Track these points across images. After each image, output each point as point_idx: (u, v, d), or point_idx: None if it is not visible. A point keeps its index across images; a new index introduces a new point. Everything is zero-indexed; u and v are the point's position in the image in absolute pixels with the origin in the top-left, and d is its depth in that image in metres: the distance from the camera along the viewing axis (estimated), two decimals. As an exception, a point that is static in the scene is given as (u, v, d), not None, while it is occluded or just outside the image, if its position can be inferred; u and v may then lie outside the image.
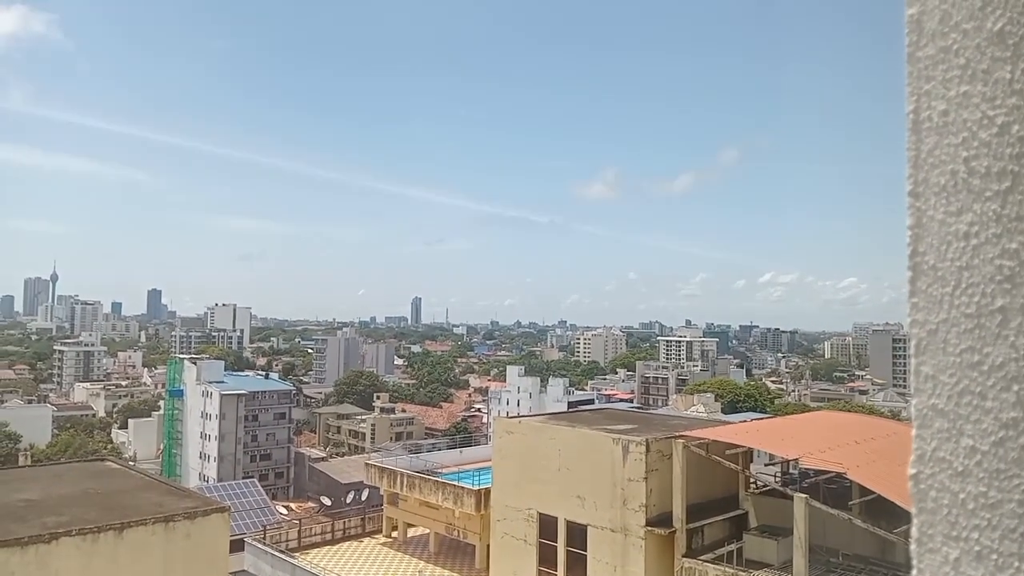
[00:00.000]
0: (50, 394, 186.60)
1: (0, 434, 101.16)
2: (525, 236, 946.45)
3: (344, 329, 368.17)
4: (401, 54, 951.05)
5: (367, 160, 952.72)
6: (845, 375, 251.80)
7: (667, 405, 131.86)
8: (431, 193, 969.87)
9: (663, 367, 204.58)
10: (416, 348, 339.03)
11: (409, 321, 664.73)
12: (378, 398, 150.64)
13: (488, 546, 30.34)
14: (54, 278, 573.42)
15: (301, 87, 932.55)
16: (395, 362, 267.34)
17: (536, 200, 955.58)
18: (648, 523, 24.33)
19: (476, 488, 31.52)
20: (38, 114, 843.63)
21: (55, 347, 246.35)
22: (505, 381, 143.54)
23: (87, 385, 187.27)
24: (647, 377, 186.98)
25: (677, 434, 25.99)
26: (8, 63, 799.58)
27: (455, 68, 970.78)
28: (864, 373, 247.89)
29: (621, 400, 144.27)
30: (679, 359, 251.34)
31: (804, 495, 23.06)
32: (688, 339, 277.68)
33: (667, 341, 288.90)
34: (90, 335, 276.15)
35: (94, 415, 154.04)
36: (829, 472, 24.12)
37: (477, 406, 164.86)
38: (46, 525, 13.96)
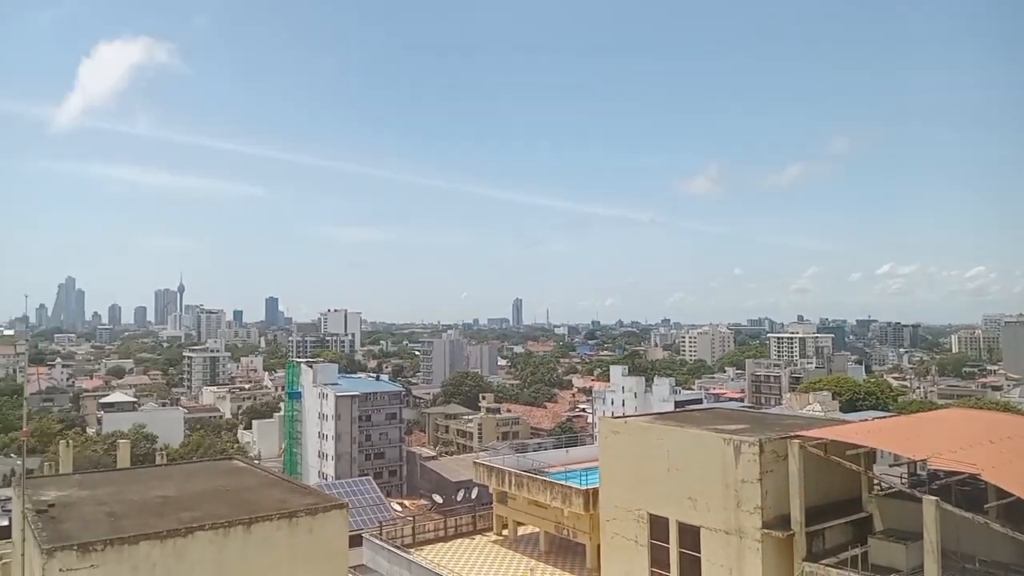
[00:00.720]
0: (181, 397, 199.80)
1: (138, 435, 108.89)
2: (625, 235, 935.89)
3: (449, 331, 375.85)
4: (496, 61, 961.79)
5: (469, 167, 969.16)
6: (975, 370, 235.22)
7: (780, 404, 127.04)
8: (530, 196, 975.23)
9: (775, 365, 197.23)
10: (519, 349, 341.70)
11: (511, 322, 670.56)
12: (483, 398, 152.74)
13: (598, 546, 30.17)
14: (181, 289, 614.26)
15: (405, 101, 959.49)
16: (499, 363, 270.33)
17: (636, 198, 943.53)
18: (765, 525, 23.51)
19: (584, 488, 31.41)
20: (163, 138, 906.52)
21: (184, 353, 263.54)
22: (609, 381, 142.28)
23: (214, 388, 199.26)
24: (758, 375, 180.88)
25: (793, 434, 25.00)
26: (136, 92, 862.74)
27: (550, 72, 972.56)
28: (997, 368, 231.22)
29: (731, 399, 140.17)
30: (791, 356, 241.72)
31: (934, 497, 21.67)
32: (801, 335, 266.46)
33: (778, 338, 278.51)
34: (215, 342, 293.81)
35: (221, 416, 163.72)
36: (961, 473, 22.55)
37: (581, 406, 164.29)
38: (182, 520, 14.91)
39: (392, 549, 33.95)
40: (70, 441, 30.39)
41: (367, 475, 79.60)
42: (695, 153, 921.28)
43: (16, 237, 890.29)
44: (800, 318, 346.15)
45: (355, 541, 29.59)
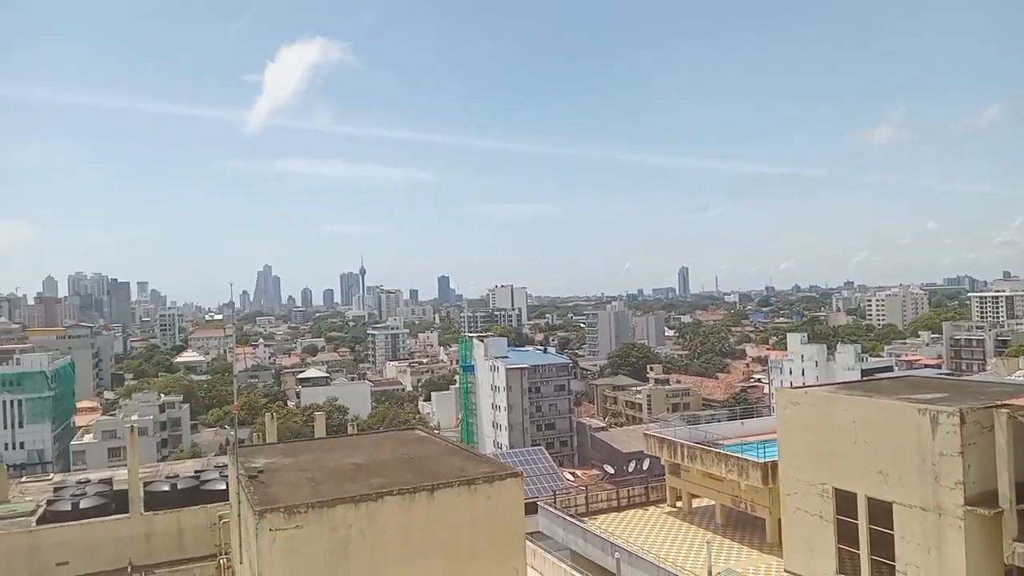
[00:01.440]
0: (367, 372, 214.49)
1: (331, 407, 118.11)
2: (799, 194, 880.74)
3: (613, 303, 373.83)
4: (650, 26, 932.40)
5: (627, 135, 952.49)
6: None
7: (984, 370, 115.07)
8: (693, 160, 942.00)
9: (977, 327, 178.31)
10: (686, 319, 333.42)
11: (677, 292, 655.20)
12: (651, 369, 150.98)
13: (779, 520, 29.04)
14: (362, 272, 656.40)
15: (561, 76, 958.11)
16: (666, 333, 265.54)
17: (809, 154, 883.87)
18: (967, 502, 21.50)
19: (762, 461, 30.25)
20: (339, 131, 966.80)
21: (368, 331, 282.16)
22: (786, 350, 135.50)
23: (395, 363, 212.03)
24: (958, 339, 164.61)
25: (1000, 403, 22.56)
26: (314, 90, 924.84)
27: (705, 31, 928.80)
28: None
29: (926, 366, 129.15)
30: (997, 317, 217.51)
31: None
32: (1007, 293, 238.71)
33: (980, 297, 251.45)
34: (394, 319, 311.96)
35: (403, 389, 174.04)
36: None
37: (756, 376, 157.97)
38: (372, 485, 16.03)
39: (567, 517, 34.61)
40: (274, 414, 33.50)
41: (539, 445, 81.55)
42: (875, 99, 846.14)
43: (220, 231, 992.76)
44: (1006, 275, 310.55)
45: (530, 509, 30.48)
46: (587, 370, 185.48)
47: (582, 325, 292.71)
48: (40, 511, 24.20)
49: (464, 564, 15.31)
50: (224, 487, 24.10)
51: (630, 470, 44.06)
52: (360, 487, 15.86)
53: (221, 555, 22.07)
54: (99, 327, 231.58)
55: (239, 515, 17.59)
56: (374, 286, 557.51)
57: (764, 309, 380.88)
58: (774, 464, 29.23)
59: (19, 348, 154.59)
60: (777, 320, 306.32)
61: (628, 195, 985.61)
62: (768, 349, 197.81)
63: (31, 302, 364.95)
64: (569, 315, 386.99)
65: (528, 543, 23.18)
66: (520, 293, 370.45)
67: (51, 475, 38.17)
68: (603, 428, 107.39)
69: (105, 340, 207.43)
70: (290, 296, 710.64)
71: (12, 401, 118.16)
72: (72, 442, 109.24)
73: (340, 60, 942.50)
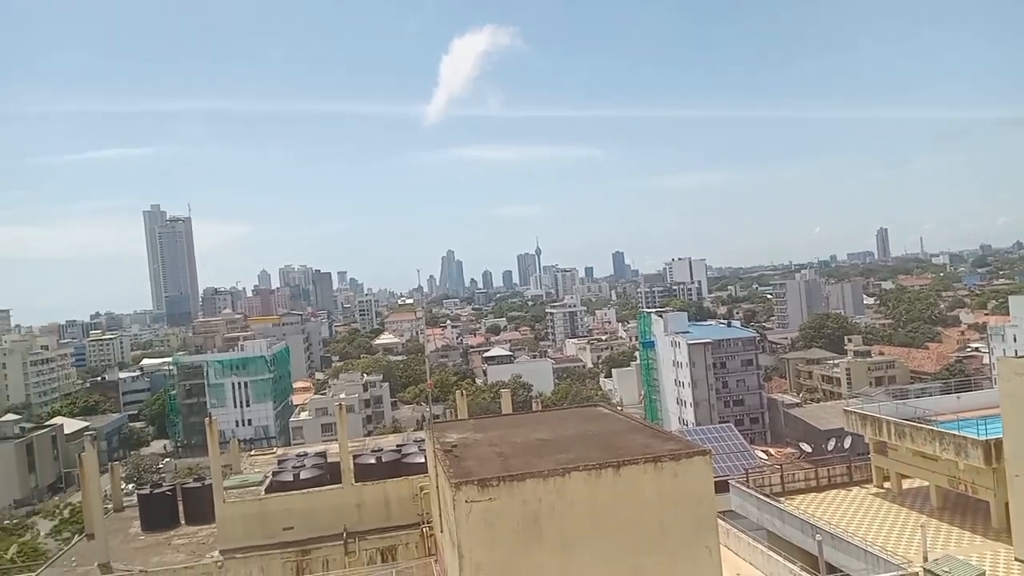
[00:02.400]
0: (548, 349, 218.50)
1: (516, 384, 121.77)
2: (1020, 140, 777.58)
3: (802, 271, 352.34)
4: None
5: (813, 91, 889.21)
6: None
7: None
8: (890, 111, 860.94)
9: None
10: (887, 285, 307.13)
11: (875, 255, 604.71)
12: (849, 341, 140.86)
13: (1006, 504, 26.12)
14: (538, 252, 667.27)
15: (735, 35, 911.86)
16: (864, 301, 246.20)
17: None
18: None
19: (984, 438, 27.28)
20: (510, 115, 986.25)
21: (546, 310, 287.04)
22: (1008, 315, 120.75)
23: (575, 340, 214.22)
24: None
25: None
26: (485, 76, 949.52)
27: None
28: None
29: None
30: None
31: None
32: None
33: None
34: (571, 297, 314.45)
35: (583, 366, 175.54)
36: None
37: (974, 345, 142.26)
38: (559, 461, 16.34)
39: (761, 497, 33.33)
40: (463, 391, 35.07)
41: (727, 422, 79.03)
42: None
43: (407, 220, 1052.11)
44: None
45: (720, 487, 29.67)
46: (776, 344, 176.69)
47: (769, 296, 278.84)
48: (267, 481, 27.09)
49: (653, 540, 15.22)
50: (423, 460, 25.62)
51: (829, 448, 41.52)
52: (547, 462, 16.21)
53: (424, 524, 23.51)
54: (307, 314, 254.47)
55: (437, 487, 18.65)
56: (550, 265, 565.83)
57: (980, 270, 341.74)
58: (998, 442, 26.30)
59: (242, 336, 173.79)
60: (996, 282, 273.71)
61: (814, 154, 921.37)
62: (986, 315, 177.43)
63: (249, 294, 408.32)
64: (754, 286, 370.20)
65: (720, 522, 22.59)
66: (699, 265, 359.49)
67: (275, 449, 42.59)
68: (797, 404, 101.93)
69: (313, 326, 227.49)
70: (472, 279, 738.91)
71: (240, 383, 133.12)
72: (291, 419, 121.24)
73: (509, 45, 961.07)
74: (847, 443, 39.12)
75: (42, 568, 24.16)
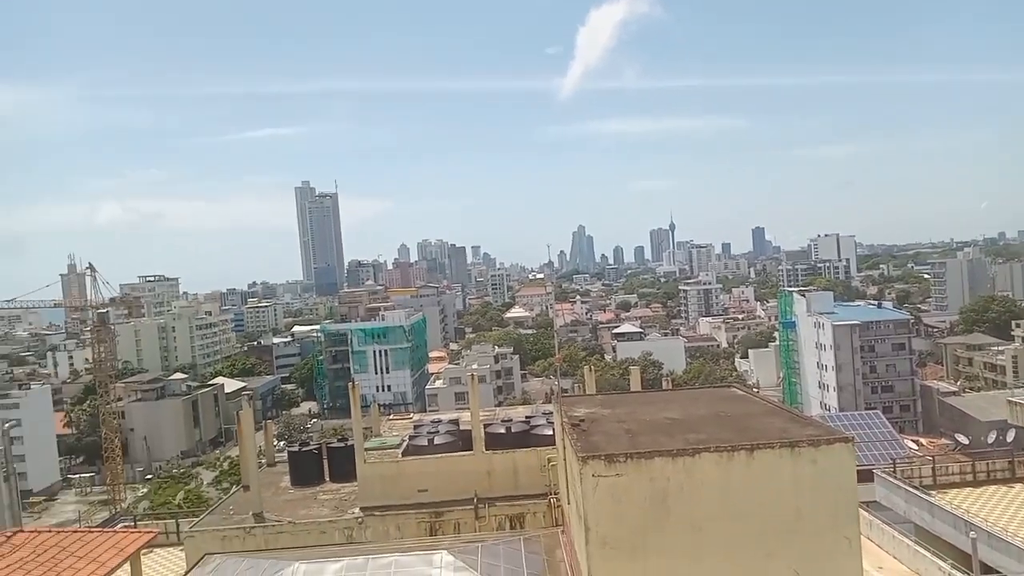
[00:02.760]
0: (680, 328, 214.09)
1: (646, 361, 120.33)
2: None
3: (965, 249, 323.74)
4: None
5: (981, 52, 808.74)
6: None
7: None
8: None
9: None
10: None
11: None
12: (1017, 326, 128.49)
13: None
14: (672, 227, 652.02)
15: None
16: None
17: None
18: None
19: None
20: (647, 86, 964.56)
21: (679, 287, 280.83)
22: None
23: (709, 319, 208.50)
24: None
25: None
26: (622, 47, 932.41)
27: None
28: None
29: None
30: None
31: None
32: None
33: None
34: (706, 275, 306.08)
35: (717, 345, 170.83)
36: None
37: None
38: (688, 440, 16.03)
39: (910, 489, 31.29)
40: (592, 366, 35.07)
41: (874, 408, 74.52)
42: None
43: (539, 195, 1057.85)
44: None
45: (864, 476, 28.08)
46: (933, 327, 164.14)
47: (926, 276, 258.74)
48: (404, 445, 28.35)
49: (788, 528, 14.67)
50: (550, 432, 25.93)
51: (989, 441, 38.29)
52: (676, 441, 15.95)
53: (551, 494, 23.86)
54: (443, 287, 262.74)
55: (564, 459, 18.84)
56: (684, 241, 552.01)
57: None
58: None
59: (383, 307, 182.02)
60: None
61: (981, 122, 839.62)
62: None
63: (390, 267, 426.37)
64: (908, 265, 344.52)
65: (863, 513, 21.43)
66: (847, 242, 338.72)
67: (411, 414, 44.50)
68: (954, 393, 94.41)
69: (448, 298, 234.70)
70: (603, 254, 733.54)
71: (381, 351, 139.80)
72: (426, 386, 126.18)
73: (647, 13, 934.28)
74: (1010, 436, 35.93)
75: (204, 514, 26.59)
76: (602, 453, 15.09)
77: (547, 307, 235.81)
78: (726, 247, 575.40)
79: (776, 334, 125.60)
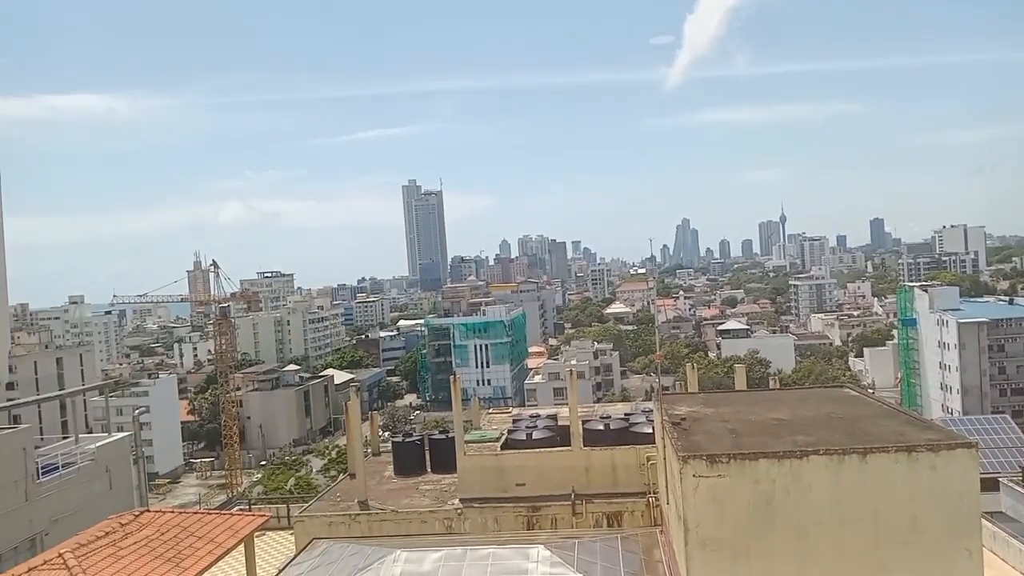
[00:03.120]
0: (789, 324, 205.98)
1: (752, 360, 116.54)
2: None
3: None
4: None
5: None
6: None
7: None
8: None
9: None
10: None
11: None
12: None
13: None
14: (783, 220, 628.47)
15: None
16: None
17: None
18: None
19: None
20: (757, 73, 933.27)
21: (790, 282, 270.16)
22: None
23: (821, 316, 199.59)
24: None
25: None
26: (732, 34, 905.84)
27: None
28: None
29: None
30: None
31: None
32: None
33: None
34: (819, 269, 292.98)
35: (830, 344, 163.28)
36: None
37: None
38: (796, 443, 15.39)
39: (1043, 501, 28.87)
40: (695, 364, 34.22)
41: (1003, 412, 69.29)
42: None
43: (641, 189, 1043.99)
44: None
45: (989, 485, 26.15)
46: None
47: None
48: (503, 438, 28.60)
49: (903, 537, 13.83)
50: (650, 431, 25.49)
51: None
52: (783, 443, 15.34)
53: (650, 494, 23.48)
54: (543, 282, 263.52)
55: (664, 458, 18.47)
56: (795, 234, 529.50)
57: None
58: None
59: (484, 302, 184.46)
60: None
61: None
62: None
63: (491, 262, 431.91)
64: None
65: (986, 524, 19.95)
66: (976, 233, 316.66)
67: (510, 408, 44.86)
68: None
69: (548, 294, 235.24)
70: (708, 248, 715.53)
71: (481, 345, 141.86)
72: (525, 381, 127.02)
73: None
74: None
75: (313, 500, 27.75)
76: (704, 453, 14.70)
77: (648, 302, 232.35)
78: (841, 240, 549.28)
79: (895, 332, 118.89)
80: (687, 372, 31.13)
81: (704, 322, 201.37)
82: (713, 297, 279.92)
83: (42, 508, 26.67)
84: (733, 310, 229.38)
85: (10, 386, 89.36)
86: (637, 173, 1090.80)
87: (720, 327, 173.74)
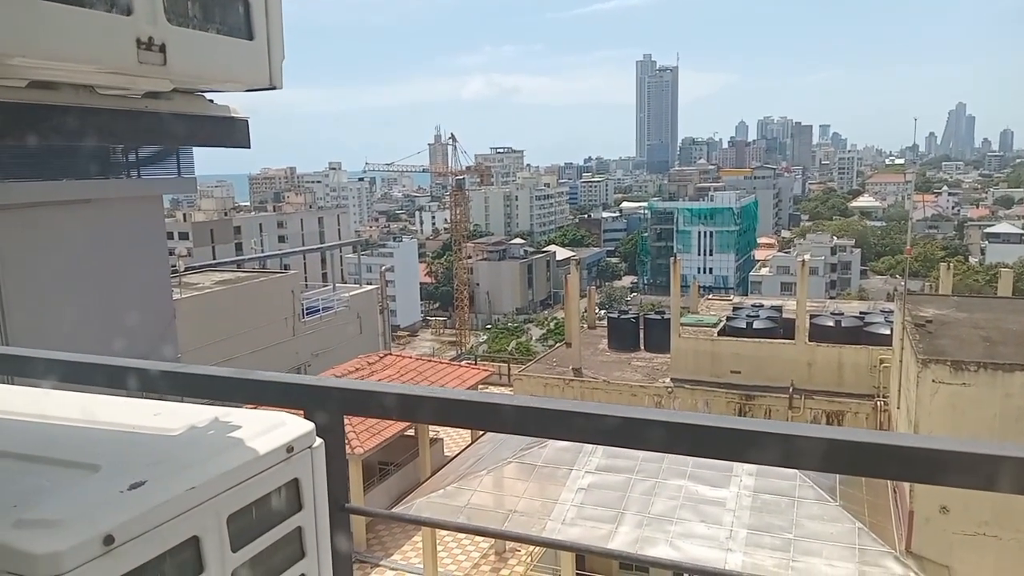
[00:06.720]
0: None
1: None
2: None
3: None
4: None
5: None
6: None
7: None
8: None
9: None
10: None
11: None
12: None
13: None
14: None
15: None
16: None
17: None
18: None
19: None
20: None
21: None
22: None
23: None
24: None
25: None
26: None
27: None
28: None
29: None
30: None
31: None
32: None
33: None
34: None
35: None
36: None
37: None
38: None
39: None
40: (951, 266, 30.65)
41: None
42: None
43: (909, 68, 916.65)
44: None
45: None
46: None
47: None
48: (721, 325, 28.03)
49: None
50: (887, 332, 23.59)
51: None
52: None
53: (878, 397, 22.07)
54: (781, 169, 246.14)
55: (901, 360, 17.08)
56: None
57: None
58: None
59: (713, 187, 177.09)
60: None
61: None
62: None
63: (725, 145, 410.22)
64: None
65: None
66: None
67: (731, 297, 43.60)
68: None
69: (786, 182, 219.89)
70: (984, 139, 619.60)
71: (706, 232, 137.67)
72: (750, 273, 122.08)
73: None
74: None
75: (531, 363, 29.45)
76: (949, 358, 13.38)
77: (904, 197, 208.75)
78: None
79: None
80: (941, 272, 28.08)
81: (969, 223, 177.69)
82: (984, 196, 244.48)
83: (305, 343, 30.96)
84: (1008, 211, 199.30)
85: (281, 239, 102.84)
86: (905, 49, 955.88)
87: (988, 230, 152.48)
